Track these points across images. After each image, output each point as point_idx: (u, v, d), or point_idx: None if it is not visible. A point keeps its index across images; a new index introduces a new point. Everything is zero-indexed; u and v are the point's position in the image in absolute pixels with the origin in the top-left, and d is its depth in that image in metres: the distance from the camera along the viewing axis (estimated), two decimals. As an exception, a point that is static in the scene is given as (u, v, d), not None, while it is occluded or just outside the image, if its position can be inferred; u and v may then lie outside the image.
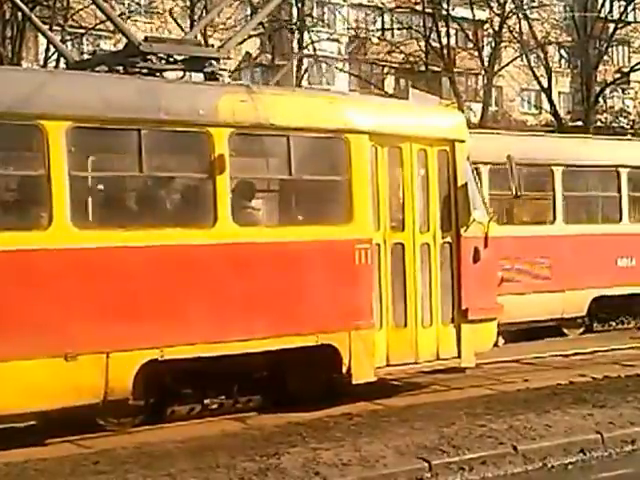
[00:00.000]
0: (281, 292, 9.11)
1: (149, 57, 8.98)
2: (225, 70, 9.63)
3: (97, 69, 9.22)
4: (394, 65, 38.86)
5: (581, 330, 16.10)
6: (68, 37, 28.03)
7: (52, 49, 24.07)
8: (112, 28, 36.32)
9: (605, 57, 38.24)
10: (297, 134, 9.22)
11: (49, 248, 7.86)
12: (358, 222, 9.62)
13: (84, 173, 8.15)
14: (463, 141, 10.74)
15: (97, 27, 26.69)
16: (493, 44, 36.21)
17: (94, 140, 8.29)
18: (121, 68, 9.12)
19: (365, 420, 8.79)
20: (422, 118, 10.51)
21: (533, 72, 36.45)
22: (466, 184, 10.68)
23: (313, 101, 9.79)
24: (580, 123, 35.98)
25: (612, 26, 37.10)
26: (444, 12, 33.88)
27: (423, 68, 36.09)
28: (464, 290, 10.50)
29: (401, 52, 36.87)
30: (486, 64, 35.48)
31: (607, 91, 39.98)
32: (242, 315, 8.83)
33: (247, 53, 33.07)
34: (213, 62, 9.47)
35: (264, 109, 9.08)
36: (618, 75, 39.95)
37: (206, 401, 9.08)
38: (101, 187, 8.47)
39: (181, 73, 9.51)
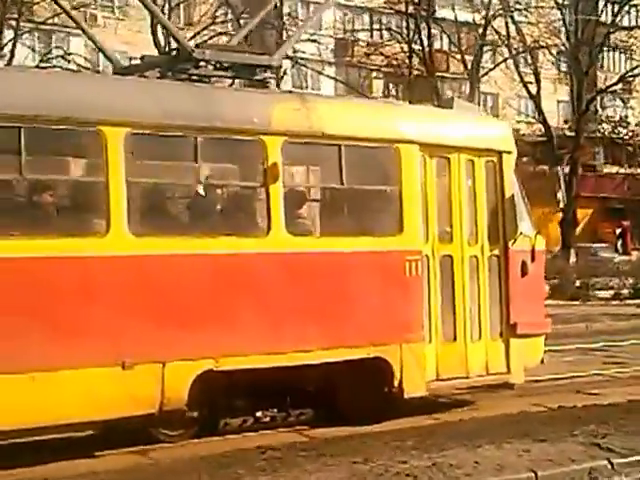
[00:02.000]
0: (333, 303, 9.24)
1: (201, 64, 9.19)
2: (274, 78, 9.84)
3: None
4: (381, 69, 38.20)
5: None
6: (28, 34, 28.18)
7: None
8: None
9: (604, 64, 38.17)
10: (349, 143, 9.39)
11: (107, 255, 8.03)
12: (408, 233, 9.78)
13: (141, 180, 8.31)
14: (510, 152, 10.92)
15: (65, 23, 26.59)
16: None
17: (151, 147, 8.46)
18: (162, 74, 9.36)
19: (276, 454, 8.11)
20: (470, 128, 10.69)
21: (521, 78, 35.79)
22: (513, 196, 10.84)
23: (364, 110, 9.99)
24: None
25: (606, 31, 36.50)
26: (424, 13, 33.35)
27: (412, 72, 35.55)
28: (512, 304, 10.62)
29: (381, 54, 36.17)
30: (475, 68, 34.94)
31: (605, 100, 39.87)
32: (295, 326, 8.96)
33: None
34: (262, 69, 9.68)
35: (317, 118, 9.26)
36: (613, 82, 39.14)
37: (258, 414, 9.21)
38: (157, 194, 8.63)
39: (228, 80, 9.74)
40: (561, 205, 11.37)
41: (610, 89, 39.23)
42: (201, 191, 8.81)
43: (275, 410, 9.32)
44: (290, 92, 10.64)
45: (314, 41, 31.47)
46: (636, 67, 39.19)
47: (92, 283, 7.96)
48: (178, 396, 8.30)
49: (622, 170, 42.43)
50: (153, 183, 8.52)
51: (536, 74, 35.91)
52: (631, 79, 40.35)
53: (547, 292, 12.21)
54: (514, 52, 35.62)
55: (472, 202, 10.55)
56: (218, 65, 9.46)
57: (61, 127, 7.87)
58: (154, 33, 30.64)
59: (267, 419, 9.29)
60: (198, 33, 31.14)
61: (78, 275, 7.91)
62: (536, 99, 35.80)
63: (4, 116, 7.57)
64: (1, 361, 7.41)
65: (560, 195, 11.32)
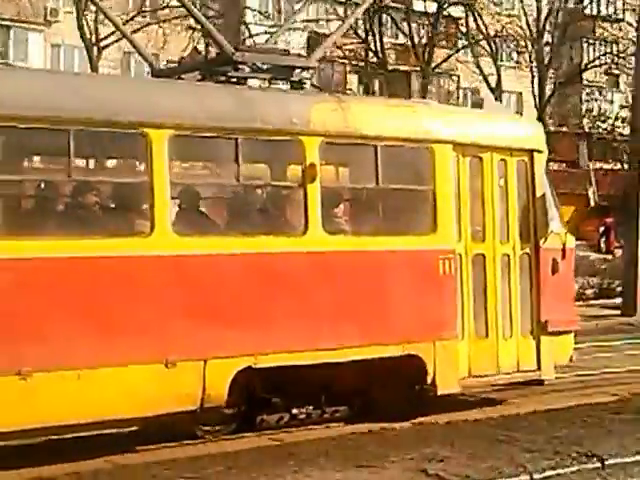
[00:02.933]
0: (368, 301, 9.50)
1: (240, 66, 9.45)
2: (309, 79, 10.09)
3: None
4: (337, 60, 36.53)
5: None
6: None
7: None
8: (41, 20, 36.83)
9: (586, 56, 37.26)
10: (384, 143, 9.64)
11: (151, 255, 8.31)
12: (442, 232, 10.03)
13: (184, 181, 8.59)
14: (541, 152, 11.15)
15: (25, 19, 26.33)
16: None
17: (194, 148, 8.73)
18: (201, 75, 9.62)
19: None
20: (502, 128, 10.92)
21: (481, 71, 34.69)
22: (544, 195, 11.08)
23: (399, 110, 10.20)
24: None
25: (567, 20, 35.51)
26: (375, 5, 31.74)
27: (368, 65, 34.44)
28: (543, 302, 10.86)
29: (339, 48, 34.23)
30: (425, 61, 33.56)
31: (585, 94, 39.12)
32: (332, 324, 9.22)
33: (195, 48, 32.72)
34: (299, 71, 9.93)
35: (353, 118, 9.51)
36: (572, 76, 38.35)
37: (294, 411, 9.49)
38: (199, 194, 8.90)
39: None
40: (592, 203, 11.47)
41: (594, 83, 38.54)
42: (241, 191, 9.08)
43: (311, 407, 9.60)
44: (331, 94, 10.86)
45: (271, 34, 31.14)
46: (596, 59, 38.44)
47: (137, 282, 8.25)
48: (218, 393, 8.58)
49: (606, 166, 41.67)
50: (195, 184, 8.79)
51: (496, 67, 35.02)
52: (617, 73, 39.56)
53: None
54: (472, 42, 34.39)
55: (504, 201, 10.78)
56: (255, 67, 9.72)
57: (107, 130, 8.15)
58: (80, 27, 30.27)
59: (303, 416, 9.58)
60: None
61: (123, 274, 8.19)
62: (494, 92, 34.83)
63: (55, 119, 7.86)
64: (50, 358, 7.71)
65: (591, 193, 11.48)
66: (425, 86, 34.21)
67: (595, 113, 41.55)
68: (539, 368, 10.90)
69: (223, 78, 9.47)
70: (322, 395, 9.61)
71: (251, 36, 31.68)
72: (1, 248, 7.57)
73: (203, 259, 8.57)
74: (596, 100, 42.71)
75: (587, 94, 41.34)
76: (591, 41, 41.97)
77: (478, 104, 11.60)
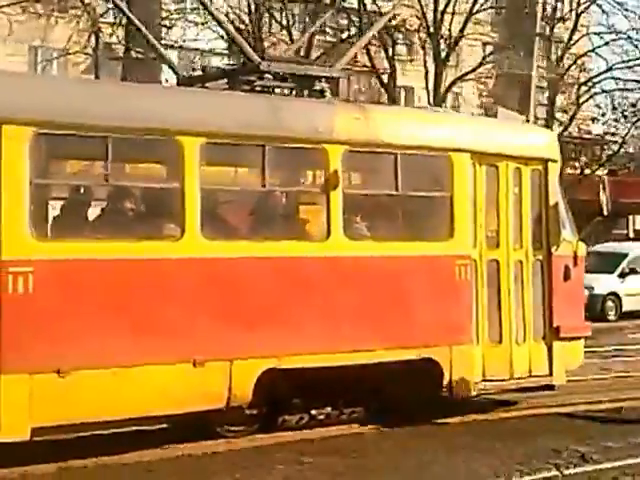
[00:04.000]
0: (387, 305, 9.90)
1: (266, 75, 9.86)
2: (329, 87, 10.50)
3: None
4: None
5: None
6: None
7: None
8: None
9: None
10: (404, 152, 10.05)
11: (181, 258, 8.72)
12: (458, 238, 10.44)
13: (213, 187, 9.00)
14: (555, 161, 11.58)
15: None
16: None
17: (223, 155, 9.14)
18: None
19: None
20: (518, 137, 11.33)
21: (374, 68, 33.31)
22: (557, 203, 11.51)
23: (419, 119, 10.65)
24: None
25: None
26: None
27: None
28: (555, 308, 11.26)
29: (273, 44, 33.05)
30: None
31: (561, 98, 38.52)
32: (352, 327, 9.61)
33: (106, 43, 32.44)
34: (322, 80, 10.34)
35: (375, 127, 9.92)
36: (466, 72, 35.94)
37: (313, 412, 9.91)
38: (227, 200, 9.31)
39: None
40: (605, 212, 11.86)
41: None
42: (266, 197, 9.48)
43: (329, 408, 10.01)
44: (354, 103, 11.28)
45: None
46: (489, 54, 37.65)
47: (167, 284, 8.65)
48: (244, 392, 8.98)
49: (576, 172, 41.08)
50: (224, 190, 9.20)
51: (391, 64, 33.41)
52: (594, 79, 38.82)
53: None
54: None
55: (518, 209, 11.20)
56: (279, 76, 10.12)
57: (143, 137, 8.56)
58: None
59: (321, 417, 9.99)
60: None
61: (155, 276, 8.60)
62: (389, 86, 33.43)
63: (94, 127, 8.27)
64: (86, 357, 8.12)
65: (604, 201, 11.90)
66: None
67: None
68: (551, 373, 11.30)
69: (247, 87, 9.88)
70: (339, 397, 10.02)
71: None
72: (45, 250, 7.99)
73: (230, 262, 8.96)
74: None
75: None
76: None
77: (493, 113, 11.96)
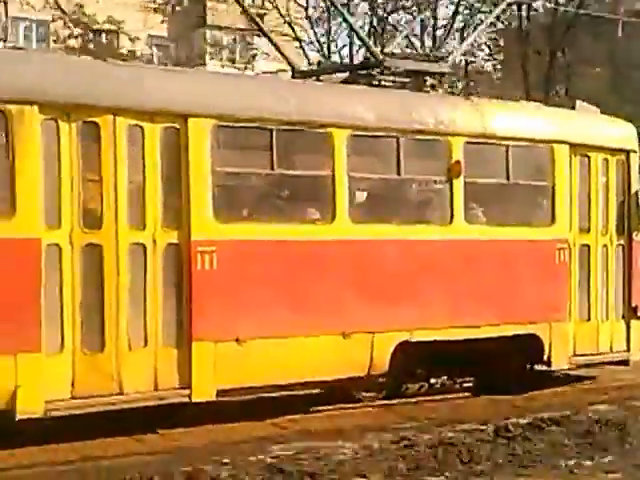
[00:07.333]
0: (499, 284, 11.17)
1: (385, 71, 11.09)
2: (440, 82, 11.74)
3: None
4: None
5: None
6: None
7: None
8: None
9: None
10: (515, 143, 11.32)
11: (332, 239, 9.95)
12: (559, 224, 11.74)
13: (359, 174, 10.22)
14: (635, 151, 12.91)
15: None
16: None
17: (365, 146, 10.33)
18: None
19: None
20: (604, 129, 12.64)
21: (284, 56, 33.33)
22: (637, 192, 12.86)
23: (526, 112, 11.93)
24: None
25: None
26: None
27: None
28: (634, 289, 12.68)
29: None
30: None
31: None
32: (470, 304, 10.90)
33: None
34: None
35: (489, 120, 11.18)
36: None
37: (432, 380, 11.23)
38: (368, 187, 10.52)
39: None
40: None
41: None
42: (401, 185, 10.70)
43: (446, 378, 11.34)
44: (470, 97, 12.54)
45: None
46: None
47: (322, 264, 9.86)
48: (382, 362, 10.25)
49: None
50: (367, 177, 10.43)
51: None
52: None
53: None
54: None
55: (605, 196, 12.53)
56: (397, 71, 11.31)
57: (300, 129, 9.77)
58: None
59: (438, 385, 11.31)
60: None
61: (307, 257, 9.80)
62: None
63: (263, 119, 9.49)
64: (259, 328, 9.35)
65: None
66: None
67: None
68: (628, 349, 12.68)
69: (364, 81, 11.07)
70: (455, 368, 11.34)
71: None
72: (225, 231, 9.19)
73: (372, 244, 10.19)
74: None
75: None
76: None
77: (570, 106, 13.23)
